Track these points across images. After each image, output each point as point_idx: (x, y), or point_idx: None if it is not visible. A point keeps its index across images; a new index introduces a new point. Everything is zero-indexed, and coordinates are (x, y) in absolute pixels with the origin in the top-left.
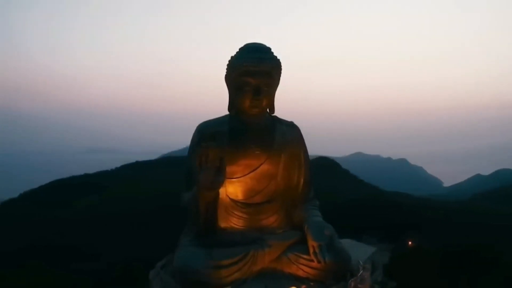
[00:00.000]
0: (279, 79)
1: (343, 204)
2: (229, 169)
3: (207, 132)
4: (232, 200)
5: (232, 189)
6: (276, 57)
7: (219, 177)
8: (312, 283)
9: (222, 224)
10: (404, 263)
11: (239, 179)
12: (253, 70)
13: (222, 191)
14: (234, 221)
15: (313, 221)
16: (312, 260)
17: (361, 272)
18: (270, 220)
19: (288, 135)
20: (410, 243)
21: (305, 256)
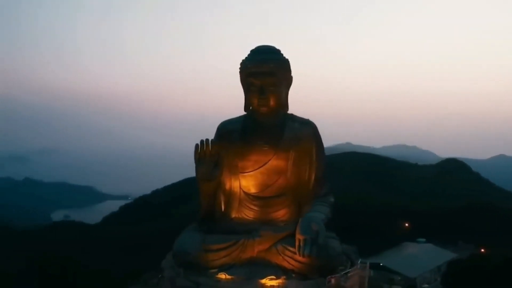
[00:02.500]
0: (286, 78)
1: (452, 208)
2: (241, 164)
3: (223, 130)
4: (244, 192)
5: (245, 183)
6: (281, 58)
7: (216, 170)
8: (294, 275)
9: (234, 214)
10: (459, 271)
11: (250, 173)
12: (256, 71)
13: (236, 184)
14: (246, 212)
15: (306, 216)
16: (296, 253)
17: (348, 270)
18: (280, 213)
19: (299, 132)
20: (482, 250)
21: (290, 249)
